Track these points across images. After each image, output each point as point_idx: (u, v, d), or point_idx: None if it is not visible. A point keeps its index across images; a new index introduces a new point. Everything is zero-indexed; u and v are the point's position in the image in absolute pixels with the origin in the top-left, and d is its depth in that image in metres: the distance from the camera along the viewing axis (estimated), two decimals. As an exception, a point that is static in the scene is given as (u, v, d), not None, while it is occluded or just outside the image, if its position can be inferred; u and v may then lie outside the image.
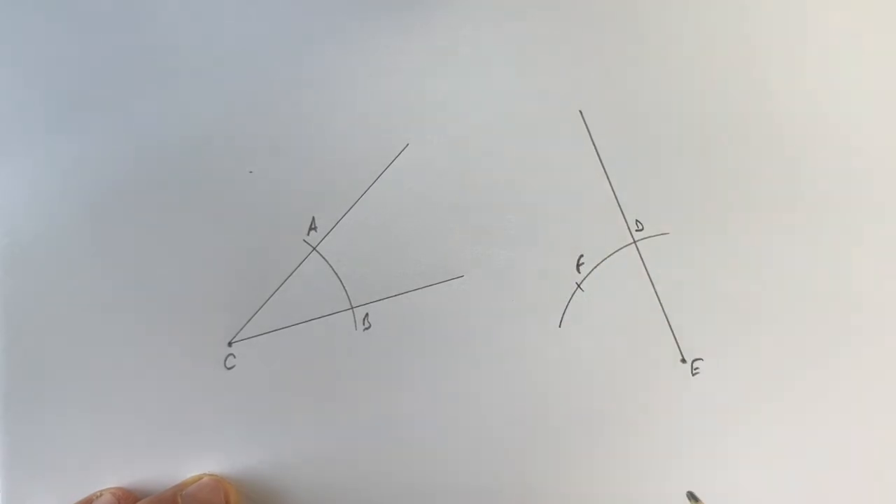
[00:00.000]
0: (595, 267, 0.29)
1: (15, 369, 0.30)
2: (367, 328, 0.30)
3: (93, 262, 0.30)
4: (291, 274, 0.30)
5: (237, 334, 0.30)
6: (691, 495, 0.27)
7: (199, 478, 0.29)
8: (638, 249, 0.29)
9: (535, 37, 0.29)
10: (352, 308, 0.30)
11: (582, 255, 0.29)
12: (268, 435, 0.30)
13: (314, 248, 0.30)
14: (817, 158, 0.29)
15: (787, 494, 0.29)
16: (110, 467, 0.30)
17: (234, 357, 0.30)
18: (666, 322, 0.29)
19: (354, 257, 0.29)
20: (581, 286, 0.29)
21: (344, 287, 0.30)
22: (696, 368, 0.29)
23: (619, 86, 0.29)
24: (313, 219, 0.29)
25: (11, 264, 0.30)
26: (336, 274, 0.30)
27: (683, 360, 0.29)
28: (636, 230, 0.29)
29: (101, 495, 0.29)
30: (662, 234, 0.30)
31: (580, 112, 0.30)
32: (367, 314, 0.30)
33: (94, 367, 0.30)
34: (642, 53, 0.29)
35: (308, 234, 0.29)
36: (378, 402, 0.29)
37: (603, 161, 0.30)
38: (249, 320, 0.30)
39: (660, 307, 0.29)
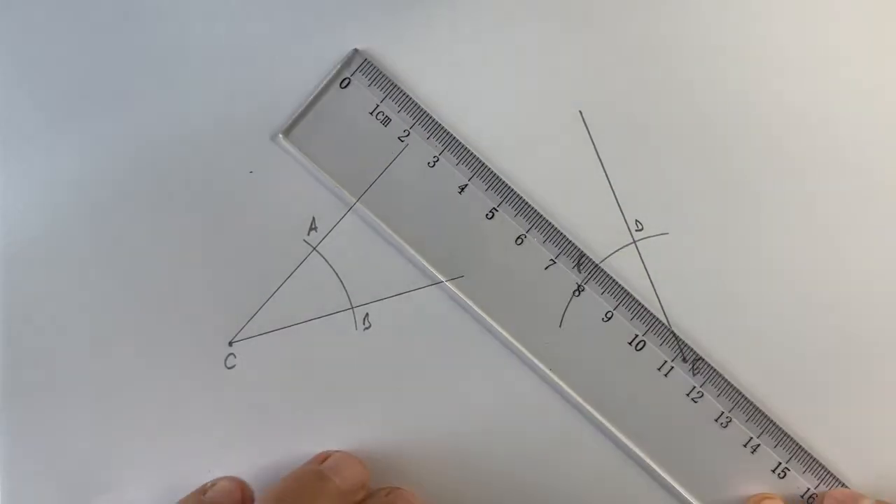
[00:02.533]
0: (595, 267, 0.29)
1: (15, 369, 0.30)
2: (367, 328, 0.30)
3: (93, 262, 0.30)
4: (291, 274, 0.30)
5: (238, 334, 0.30)
6: None
7: (214, 483, 0.29)
8: (638, 249, 0.29)
9: (535, 37, 0.29)
10: (352, 308, 0.30)
11: (582, 255, 0.29)
12: (268, 434, 0.30)
13: (314, 248, 0.30)
14: (818, 158, 0.29)
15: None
16: (110, 467, 0.30)
17: (235, 356, 0.30)
18: (666, 322, 0.29)
19: (354, 257, 0.29)
20: (581, 286, 0.29)
21: (344, 287, 0.30)
22: (696, 368, 0.29)
23: (619, 86, 0.29)
24: (313, 219, 0.30)
25: (11, 264, 0.30)
26: (336, 274, 0.30)
27: (683, 360, 0.29)
28: (636, 230, 0.29)
29: (214, 484, 0.29)
30: (662, 234, 0.30)
31: (580, 112, 0.30)
32: (367, 314, 0.30)
33: (94, 367, 0.30)
34: (642, 53, 0.29)
35: (308, 234, 0.30)
36: (378, 402, 0.30)
37: (603, 161, 0.29)
38: (250, 320, 0.30)
39: (660, 307, 0.29)
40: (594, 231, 0.29)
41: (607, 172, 0.29)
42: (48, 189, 0.30)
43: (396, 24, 0.29)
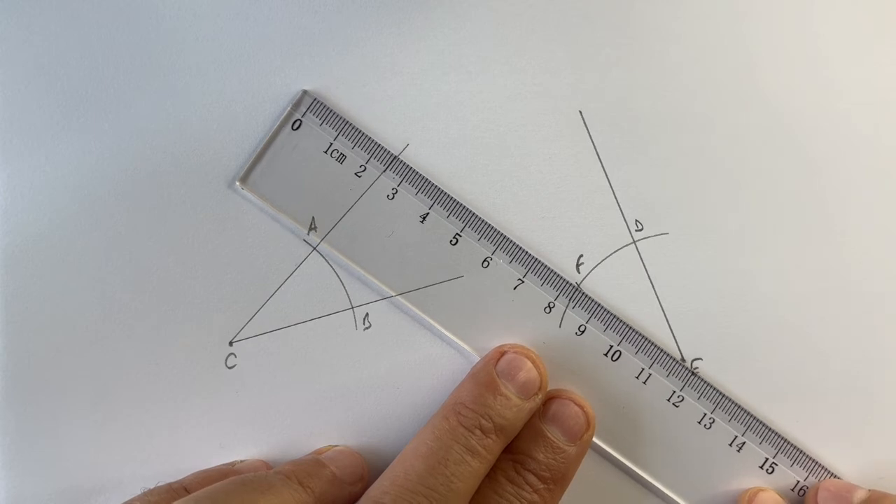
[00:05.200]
0: (595, 267, 0.29)
1: (15, 369, 0.30)
2: (367, 328, 0.30)
3: (93, 262, 0.30)
4: (291, 274, 0.30)
5: (238, 334, 0.30)
6: None
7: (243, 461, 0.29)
8: (638, 249, 0.29)
9: (535, 37, 0.29)
10: (352, 308, 0.30)
11: (582, 255, 0.29)
12: (268, 434, 0.30)
13: (314, 248, 0.30)
14: (817, 158, 0.29)
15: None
16: (111, 467, 0.30)
17: (236, 356, 0.30)
18: (665, 322, 0.29)
19: (354, 257, 0.29)
20: (581, 286, 0.29)
21: (344, 287, 0.30)
22: (696, 368, 0.29)
23: (619, 86, 0.29)
24: (313, 219, 0.30)
25: (12, 264, 0.30)
26: (336, 274, 0.30)
27: (683, 360, 0.29)
28: (636, 230, 0.29)
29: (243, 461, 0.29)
30: (662, 234, 0.30)
31: (580, 112, 0.30)
32: (367, 314, 0.30)
33: (94, 367, 0.30)
34: (642, 54, 0.29)
35: (308, 234, 0.30)
36: (378, 402, 0.30)
37: (603, 161, 0.30)
38: (250, 320, 0.30)
39: (659, 307, 0.29)
40: (594, 231, 0.29)
41: (607, 172, 0.30)
42: (49, 189, 0.30)
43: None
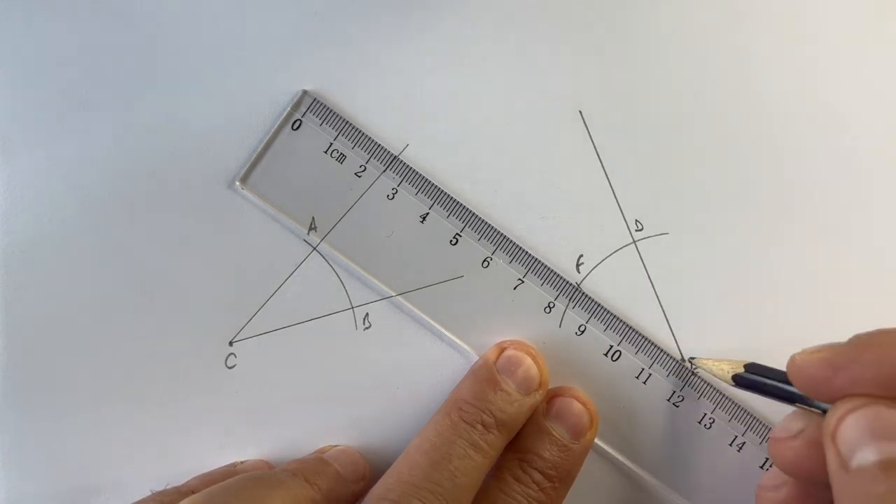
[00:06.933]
0: (595, 267, 0.29)
1: (15, 369, 0.30)
2: (367, 328, 0.30)
3: (93, 262, 0.30)
4: (291, 274, 0.30)
5: (238, 334, 0.30)
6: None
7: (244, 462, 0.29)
8: (638, 249, 0.29)
9: (535, 37, 0.29)
10: (352, 308, 0.30)
11: (582, 255, 0.29)
12: (268, 434, 0.30)
13: (314, 248, 0.30)
14: (817, 158, 0.29)
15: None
16: (111, 467, 0.30)
17: (236, 356, 0.30)
18: (666, 322, 0.29)
19: (354, 257, 0.29)
20: (581, 286, 0.29)
21: (344, 287, 0.30)
22: (696, 368, 0.29)
23: (619, 86, 0.29)
24: (313, 219, 0.30)
25: (12, 264, 0.30)
26: (336, 274, 0.30)
27: (683, 360, 0.29)
28: (636, 230, 0.29)
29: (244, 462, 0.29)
30: (662, 234, 0.30)
31: (580, 112, 0.30)
32: (367, 314, 0.30)
33: (94, 367, 0.30)
34: (642, 53, 0.29)
35: (308, 234, 0.30)
36: (378, 402, 0.30)
37: (603, 161, 0.30)
38: (250, 320, 0.30)
39: (660, 307, 0.29)
40: (594, 231, 0.29)
41: (607, 172, 0.30)
42: (49, 189, 0.30)
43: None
